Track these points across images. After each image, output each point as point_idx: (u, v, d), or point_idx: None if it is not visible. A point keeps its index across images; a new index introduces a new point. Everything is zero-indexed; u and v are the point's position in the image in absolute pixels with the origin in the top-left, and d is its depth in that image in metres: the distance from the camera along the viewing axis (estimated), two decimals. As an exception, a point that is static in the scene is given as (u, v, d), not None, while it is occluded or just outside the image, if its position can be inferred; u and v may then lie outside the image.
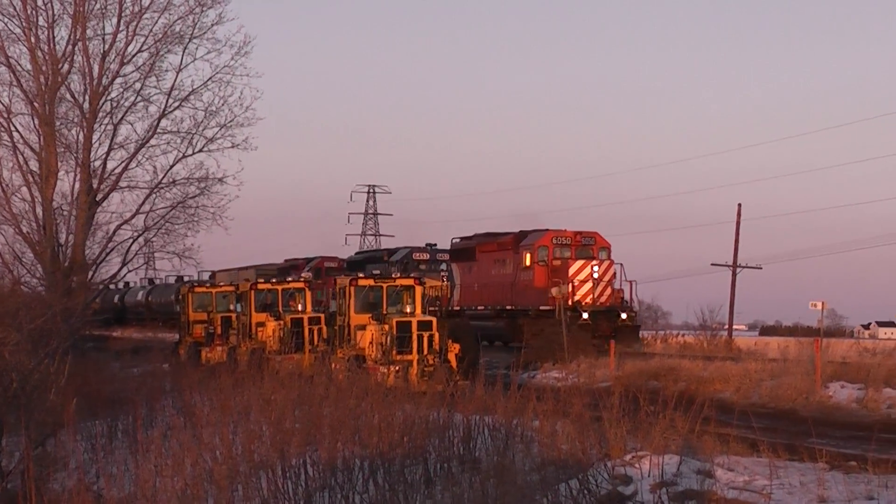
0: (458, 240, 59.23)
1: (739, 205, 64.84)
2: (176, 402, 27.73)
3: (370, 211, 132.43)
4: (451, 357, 34.68)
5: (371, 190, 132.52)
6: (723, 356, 40.75)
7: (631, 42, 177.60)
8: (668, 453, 16.89)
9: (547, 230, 51.38)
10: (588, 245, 50.47)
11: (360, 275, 39.78)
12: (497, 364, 37.65)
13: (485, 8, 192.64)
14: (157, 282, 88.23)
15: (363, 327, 36.06)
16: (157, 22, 41.01)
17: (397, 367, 33.27)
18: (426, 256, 59.61)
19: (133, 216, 41.94)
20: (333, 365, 33.14)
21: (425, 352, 34.24)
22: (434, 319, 35.43)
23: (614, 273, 49.11)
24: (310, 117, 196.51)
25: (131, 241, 42.36)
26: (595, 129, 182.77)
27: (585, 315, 46.70)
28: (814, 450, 18.51)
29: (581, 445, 17.59)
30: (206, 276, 73.49)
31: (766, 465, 16.88)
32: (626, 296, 49.06)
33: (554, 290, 47.13)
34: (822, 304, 49.47)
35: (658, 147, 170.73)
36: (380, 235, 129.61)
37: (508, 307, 52.09)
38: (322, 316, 41.79)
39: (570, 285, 47.67)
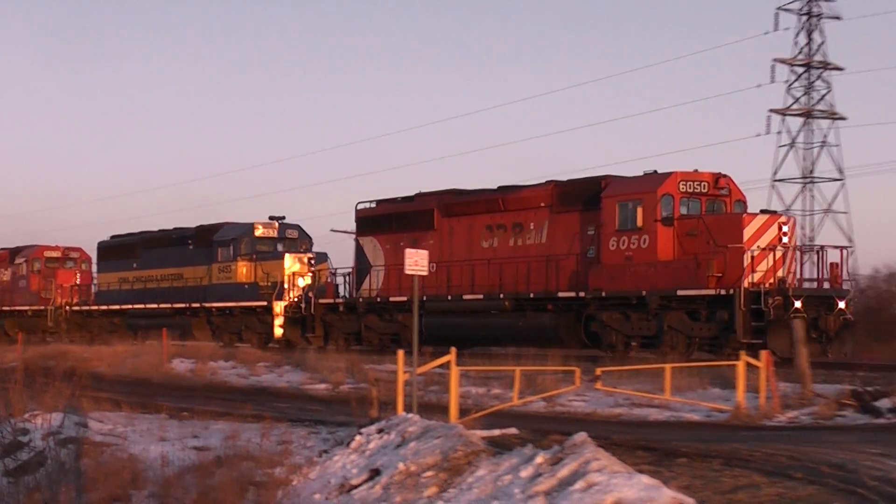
0: (371, 204, 43.46)
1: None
2: None
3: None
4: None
5: None
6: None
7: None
8: (57, 412, 20.21)
9: (664, 173, 33.78)
10: (722, 196, 33.78)
11: None
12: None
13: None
14: None
15: None
16: None
17: None
18: (272, 233, 48.45)
19: None
20: None
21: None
22: None
23: (795, 238, 33.65)
24: None
25: None
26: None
27: (798, 303, 30.51)
28: (159, 405, 23.52)
29: (-7, 408, 21.49)
30: None
31: (126, 417, 21.88)
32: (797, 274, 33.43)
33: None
34: None
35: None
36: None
37: (566, 294, 35.22)
38: None
39: (750, 256, 31.38)
